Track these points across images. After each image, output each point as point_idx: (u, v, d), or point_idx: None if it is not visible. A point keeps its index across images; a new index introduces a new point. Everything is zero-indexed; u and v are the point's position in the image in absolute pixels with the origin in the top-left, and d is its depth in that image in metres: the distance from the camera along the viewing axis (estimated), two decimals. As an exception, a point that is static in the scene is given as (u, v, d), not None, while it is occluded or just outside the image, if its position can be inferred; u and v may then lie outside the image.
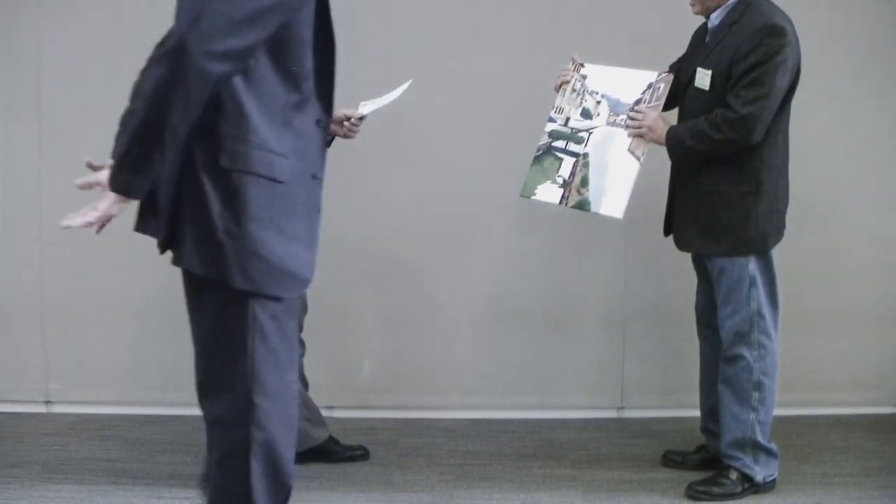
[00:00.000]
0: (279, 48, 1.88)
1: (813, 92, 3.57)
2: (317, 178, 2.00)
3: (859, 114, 3.76)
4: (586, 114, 3.02)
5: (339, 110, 3.09)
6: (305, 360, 3.17)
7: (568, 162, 2.98)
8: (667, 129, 2.89)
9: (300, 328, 3.22)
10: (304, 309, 3.23)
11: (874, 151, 3.79)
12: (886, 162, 3.79)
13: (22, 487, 2.98)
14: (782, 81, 2.80)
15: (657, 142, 2.89)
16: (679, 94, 3.01)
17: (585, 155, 2.96)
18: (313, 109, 1.99)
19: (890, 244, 3.82)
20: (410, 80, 2.97)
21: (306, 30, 1.92)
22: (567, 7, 3.71)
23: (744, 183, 2.88)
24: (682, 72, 3.02)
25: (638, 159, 2.89)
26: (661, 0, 3.53)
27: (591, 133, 2.99)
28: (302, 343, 3.23)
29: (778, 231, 2.95)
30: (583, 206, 2.91)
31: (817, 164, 3.68)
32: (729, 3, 2.90)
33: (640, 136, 2.89)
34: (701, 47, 3.01)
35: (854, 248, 3.80)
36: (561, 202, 2.96)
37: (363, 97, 3.06)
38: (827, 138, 3.73)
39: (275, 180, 1.90)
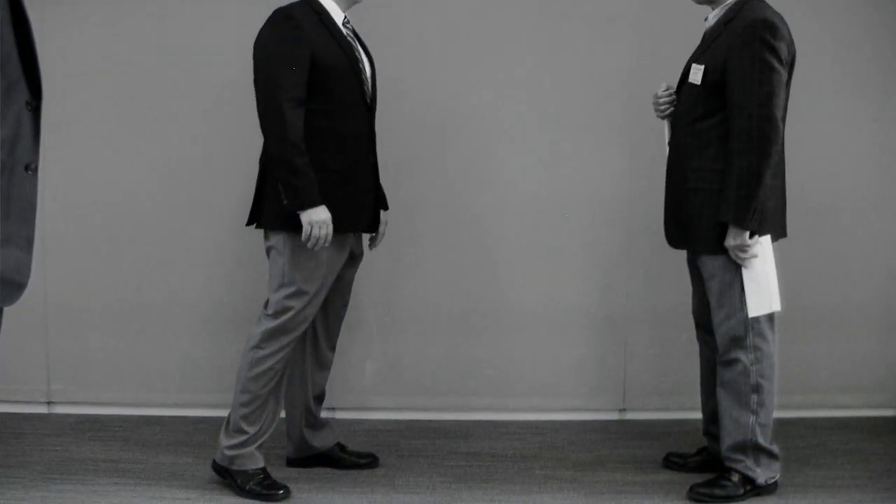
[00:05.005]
0: None
1: (814, 93, 3.59)
2: (30, 168, 1.79)
3: (860, 115, 3.76)
4: None
5: None
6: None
7: None
8: (732, 226, 2.82)
9: (333, 348, 3.18)
10: (338, 320, 3.17)
11: (875, 153, 3.78)
12: (888, 163, 3.79)
13: (24, 488, 2.98)
14: (780, 75, 2.79)
15: (744, 232, 2.83)
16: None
17: None
18: (21, 92, 1.78)
19: (892, 246, 3.82)
20: None
21: None
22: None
23: (717, 181, 2.86)
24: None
25: None
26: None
27: None
28: (328, 362, 3.19)
29: (761, 229, 2.87)
30: None
31: (818, 165, 3.68)
32: (727, 2, 2.92)
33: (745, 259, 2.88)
34: (699, 47, 3.02)
35: (856, 250, 3.80)
36: None
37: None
38: (828, 139, 3.73)
39: None
